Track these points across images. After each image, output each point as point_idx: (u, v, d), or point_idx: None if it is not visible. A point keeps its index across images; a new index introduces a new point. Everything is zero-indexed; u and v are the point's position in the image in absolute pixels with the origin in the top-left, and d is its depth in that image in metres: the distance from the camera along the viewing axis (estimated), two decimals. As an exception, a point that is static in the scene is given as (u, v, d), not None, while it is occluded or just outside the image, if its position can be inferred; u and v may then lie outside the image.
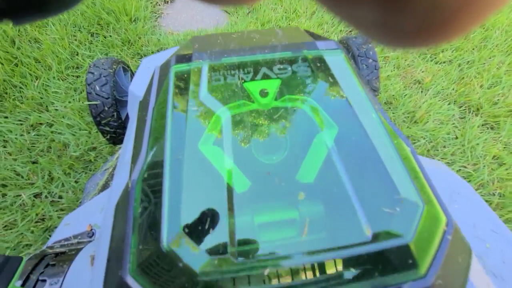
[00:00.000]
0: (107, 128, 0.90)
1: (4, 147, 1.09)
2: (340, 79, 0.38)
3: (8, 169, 1.02)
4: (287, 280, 0.24)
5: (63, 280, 0.47)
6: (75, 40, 1.45)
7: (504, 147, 1.09)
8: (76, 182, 1.00)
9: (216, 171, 0.33)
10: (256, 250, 0.26)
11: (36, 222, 0.92)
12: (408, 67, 1.35)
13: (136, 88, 0.76)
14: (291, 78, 0.39)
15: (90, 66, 0.90)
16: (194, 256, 0.25)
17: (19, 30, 1.44)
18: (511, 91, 1.24)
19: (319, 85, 0.39)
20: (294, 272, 0.24)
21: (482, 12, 0.07)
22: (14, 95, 1.23)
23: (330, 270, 0.25)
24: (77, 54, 1.40)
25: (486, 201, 0.93)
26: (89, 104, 0.87)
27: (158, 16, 1.67)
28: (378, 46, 1.40)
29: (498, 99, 1.21)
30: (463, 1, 0.06)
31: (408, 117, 1.16)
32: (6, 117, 1.17)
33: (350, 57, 0.90)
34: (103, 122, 0.89)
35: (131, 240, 0.28)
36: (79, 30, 1.49)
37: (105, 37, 1.47)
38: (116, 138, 0.94)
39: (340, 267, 0.25)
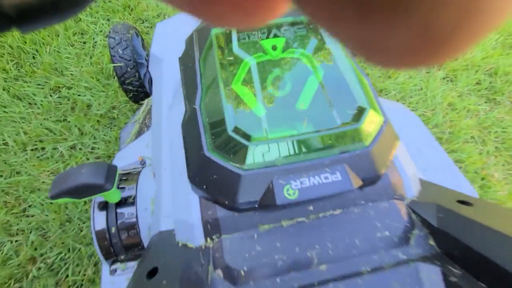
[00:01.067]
0: (130, 87, 1.06)
1: (32, 109, 1.23)
2: (325, 37, 0.57)
3: (41, 127, 1.18)
4: (296, 145, 0.45)
5: (136, 188, 0.68)
6: (76, 6, 1.50)
7: (459, 96, 1.33)
8: (104, 135, 1.17)
9: (244, 102, 0.53)
10: (277, 136, 0.48)
11: (77, 168, 1.10)
12: (386, 28, 1.52)
13: (157, 51, 0.90)
14: (292, 36, 0.57)
15: (110, 32, 1.03)
16: (245, 137, 0.45)
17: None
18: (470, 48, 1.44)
19: (311, 41, 0.57)
20: (299, 141, 0.46)
21: (482, 28, 0.06)
22: (29, 61, 1.33)
23: (317, 141, 0.46)
24: (80, 20, 1.47)
25: (438, 137, 1.19)
26: (114, 66, 1.01)
27: (152, -20, 1.71)
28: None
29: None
30: (460, 20, 0.06)
31: (383, 73, 1.37)
32: (25, 82, 1.29)
33: None
34: (127, 81, 1.04)
35: (205, 136, 0.48)
36: (77, -4, 1.53)
37: (105, 2, 1.53)
38: (137, 96, 1.10)
39: (322, 140, 0.46)
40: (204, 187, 0.49)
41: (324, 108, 0.50)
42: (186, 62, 0.61)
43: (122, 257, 0.66)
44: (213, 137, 0.47)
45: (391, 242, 0.48)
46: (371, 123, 0.48)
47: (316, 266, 0.46)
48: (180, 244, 0.50)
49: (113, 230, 0.64)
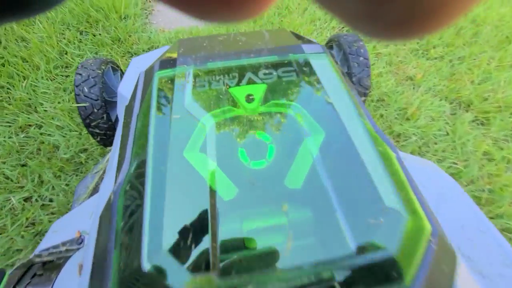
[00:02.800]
0: (97, 130, 0.89)
1: (-8, 150, 1.07)
2: (326, 83, 0.38)
3: (-4, 173, 1.01)
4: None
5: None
6: (64, 38, 1.42)
7: (494, 143, 1.10)
8: (66, 185, 0.98)
9: (201, 179, 0.33)
10: (240, 264, 0.26)
11: (27, 226, 0.91)
12: (400, 64, 1.36)
13: (125, 90, 0.75)
14: (276, 83, 0.39)
15: (78, 67, 0.89)
16: (177, 275, 0.24)
17: (5, 29, 1.40)
18: (500, 87, 1.25)
19: (305, 90, 0.38)
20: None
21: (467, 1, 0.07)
22: (1, 96, 1.20)
23: (315, 284, 0.25)
24: (66, 53, 1.37)
25: (476, 197, 0.95)
26: (77, 107, 0.85)
27: (149, 13, 1.64)
28: (368, 41, 1.39)
29: (488, 95, 1.22)
30: None
31: (400, 114, 1.17)
32: (-9, 118, 1.15)
33: (336, 60, 0.88)
34: (92, 124, 0.87)
35: (113, 257, 0.28)
36: (67, 28, 1.45)
37: (94, 35, 1.44)
38: (106, 140, 0.93)
39: (324, 281, 0.25)
40: None
41: (325, 206, 0.30)
42: (127, 115, 0.43)
43: None
44: (122, 265, 0.27)
45: None
46: (412, 244, 0.27)
47: None
48: None
49: None
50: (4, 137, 1.09)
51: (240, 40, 0.46)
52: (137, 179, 0.30)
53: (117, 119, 0.94)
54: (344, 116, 0.35)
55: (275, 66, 0.40)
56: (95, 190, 0.77)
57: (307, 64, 0.40)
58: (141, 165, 0.31)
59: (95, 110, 0.86)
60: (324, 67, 0.40)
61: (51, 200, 0.96)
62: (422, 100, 1.20)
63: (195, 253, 0.26)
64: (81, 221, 0.61)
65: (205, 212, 0.30)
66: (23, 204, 0.95)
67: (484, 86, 1.24)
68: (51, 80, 1.28)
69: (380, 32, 0.08)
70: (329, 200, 0.30)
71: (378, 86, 1.25)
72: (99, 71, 0.88)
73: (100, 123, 0.88)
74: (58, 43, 1.39)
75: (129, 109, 0.44)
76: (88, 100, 0.85)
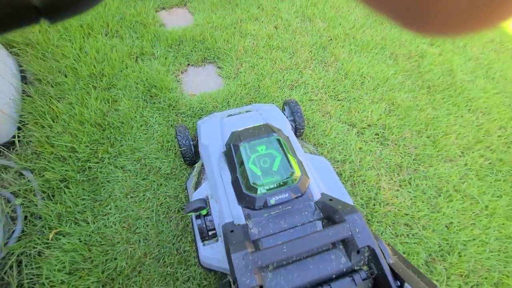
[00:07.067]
0: (188, 159, 2.02)
1: (126, 173, 2.15)
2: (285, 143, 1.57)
3: (133, 183, 2.10)
4: (274, 185, 1.43)
5: (210, 208, 1.62)
6: (138, 107, 2.50)
7: (365, 143, 2.37)
8: (172, 185, 2.10)
9: (253, 171, 1.51)
10: None
11: (161, 204, 2.02)
12: (323, 105, 2.59)
13: (205, 141, 1.88)
14: (271, 143, 1.57)
15: (176, 132, 2.01)
16: (256, 185, 1.41)
17: (108, 105, 2.45)
18: (372, 113, 2.53)
19: (279, 156, 1.57)
20: (274, 185, 1.43)
21: None
22: (119, 144, 2.27)
23: (279, 183, 1.43)
24: (143, 116, 2.46)
25: (352, 169, 2.19)
26: (180, 150, 1.98)
27: (180, 83, 2.76)
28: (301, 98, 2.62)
29: (364, 118, 2.49)
30: None
31: (323, 133, 2.40)
32: (121, 157, 2.22)
33: (286, 137, 2.13)
34: (186, 156, 2.01)
35: (242, 185, 1.44)
36: (138, 100, 2.54)
37: (154, 103, 2.53)
38: (191, 162, 2.07)
39: (281, 183, 1.43)
40: (243, 203, 1.44)
41: (281, 171, 1.48)
42: (228, 156, 1.59)
43: (207, 238, 1.58)
44: (246, 186, 1.44)
45: (306, 215, 1.44)
46: (296, 175, 1.46)
47: (283, 225, 1.41)
48: (236, 224, 1.44)
49: (204, 225, 1.57)
50: (130, 166, 2.18)
51: (255, 131, 1.63)
52: (243, 171, 1.46)
53: (196, 153, 2.08)
54: (284, 152, 1.54)
55: (265, 142, 1.58)
56: (197, 184, 1.91)
57: (278, 139, 1.58)
58: (242, 167, 1.47)
59: (188, 150, 1.99)
60: (277, 139, 1.58)
61: (166, 192, 2.07)
62: (333, 124, 2.44)
63: (257, 181, 1.44)
64: (204, 193, 1.76)
65: (258, 176, 1.50)
66: (153, 195, 2.05)
67: (364, 114, 2.51)
68: (143, 134, 2.37)
69: (434, 29, 0.08)
70: (281, 171, 1.49)
71: (312, 119, 2.48)
72: (186, 133, 2.02)
73: (189, 155, 2.01)
74: (137, 109, 2.47)
75: (227, 154, 1.60)
76: (185, 146, 1.98)
